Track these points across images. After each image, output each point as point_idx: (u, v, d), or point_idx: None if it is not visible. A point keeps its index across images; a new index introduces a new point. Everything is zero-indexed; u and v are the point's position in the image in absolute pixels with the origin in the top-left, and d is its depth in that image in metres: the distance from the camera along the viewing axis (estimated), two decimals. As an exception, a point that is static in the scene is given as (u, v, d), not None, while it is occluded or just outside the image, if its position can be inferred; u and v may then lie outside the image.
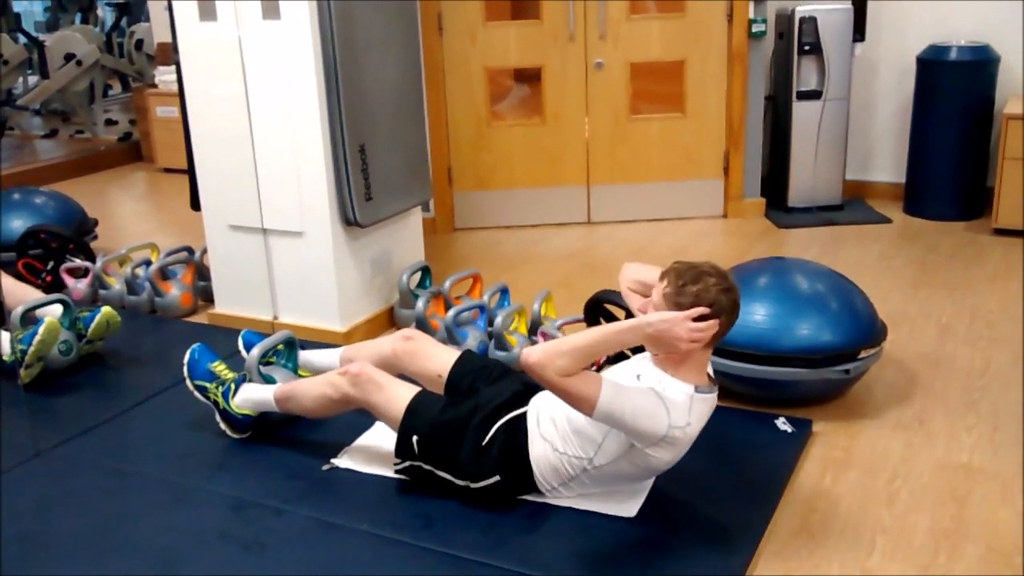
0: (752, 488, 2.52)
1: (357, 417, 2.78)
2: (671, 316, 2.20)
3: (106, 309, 3.44)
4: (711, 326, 2.21)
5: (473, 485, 2.43)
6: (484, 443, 2.41)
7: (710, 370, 2.40)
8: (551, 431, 2.39)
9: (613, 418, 2.20)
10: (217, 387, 2.86)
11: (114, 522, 2.50)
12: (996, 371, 3.22)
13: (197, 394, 2.91)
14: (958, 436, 2.81)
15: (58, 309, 3.41)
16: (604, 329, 2.27)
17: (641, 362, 2.37)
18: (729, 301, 2.24)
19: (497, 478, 2.41)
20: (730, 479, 2.57)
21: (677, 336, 2.19)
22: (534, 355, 2.18)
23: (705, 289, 2.21)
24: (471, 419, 2.44)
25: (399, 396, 2.52)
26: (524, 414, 2.44)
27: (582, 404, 2.19)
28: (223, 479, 2.68)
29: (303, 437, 2.88)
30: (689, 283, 2.22)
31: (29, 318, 3.34)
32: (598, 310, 3.22)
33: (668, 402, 2.22)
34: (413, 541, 2.33)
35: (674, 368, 2.28)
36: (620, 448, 2.30)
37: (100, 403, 3.20)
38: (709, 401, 2.33)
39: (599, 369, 3.10)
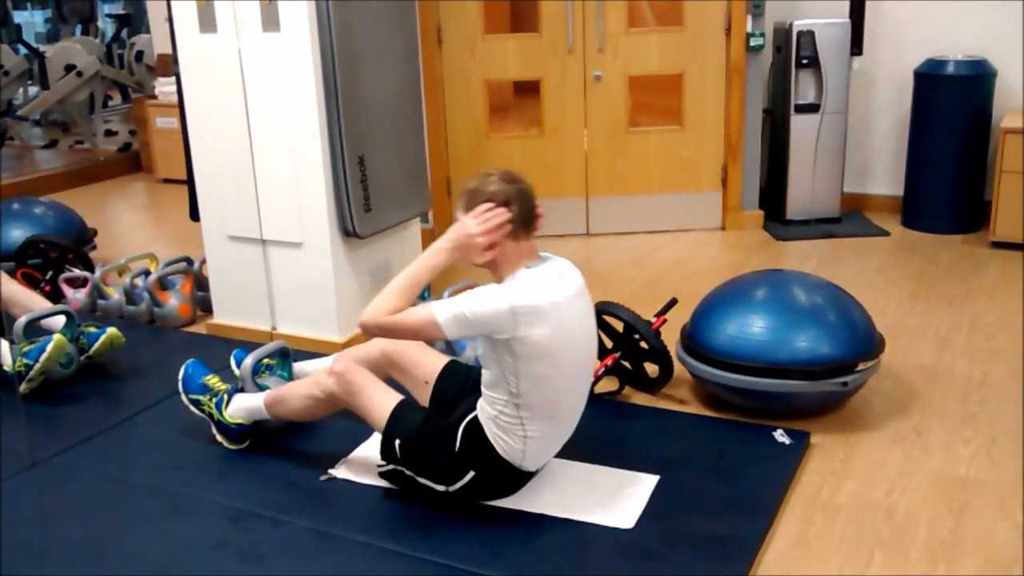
0: (750, 500, 2.52)
1: (354, 427, 2.79)
2: (460, 221, 2.35)
3: (112, 331, 3.42)
4: (498, 213, 2.34)
5: (451, 488, 2.46)
6: (456, 449, 2.44)
7: (547, 254, 2.48)
8: (486, 407, 2.43)
9: (461, 321, 2.29)
10: (211, 399, 2.87)
11: (111, 531, 2.49)
12: (994, 383, 3.22)
13: (192, 408, 2.91)
14: (956, 448, 2.81)
15: (60, 320, 3.41)
16: (414, 261, 2.40)
17: None
18: (514, 190, 2.38)
19: (472, 474, 2.43)
20: (728, 491, 2.57)
21: (468, 232, 2.34)
22: (363, 315, 2.33)
23: (487, 184, 2.38)
24: (445, 429, 2.47)
25: (383, 399, 2.55)
26: (476, 413, 2.47)
27: (428, 327, 2.31)
28: (221, 489, 2.68)
29: (301, 447, 2.88)
30: (475, 188, 2.40)
31: (32, 328, 3.33)
32: (597, 321, 3.22)
33: (500, 286, 2.33)
34: (410, 552, 2.33)
35: (502, 271, 2.40)
36: (513, 356, 2.31)
37: (98, 412, 3.20)
38: (547, 269, 2.40)
39: (597, 380, 3.10)
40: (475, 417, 2.46)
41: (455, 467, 2.44)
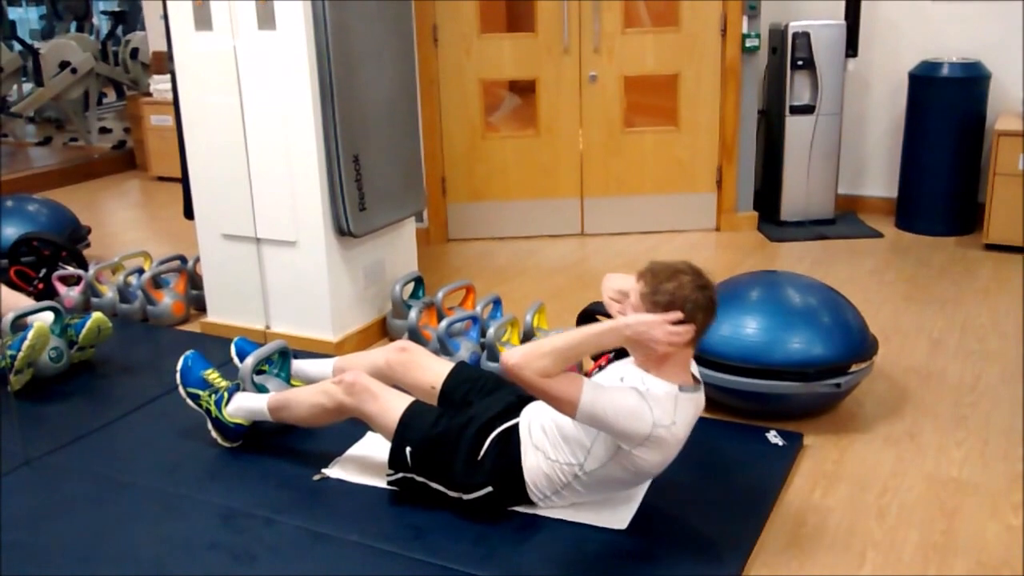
0: (743, 501, 2.53)
1: (348, 427, 2.78)
2: (650, 319, 2.21)
3: (97, 315, 3.43)
4: (688, 330, 2.21)
5: (466, 497, 2.43)
6: (479, 456, 2.41)
7: (695, 370, 2.40)
8: (542, 440, 2.39)
9: (596, 418, 2.21)
10: (210, 395, 2.86)
11: (104, 531, 2.49)
12: (986, 386, 3.23)
13: (190, 401, 2.90)
14: (948, 450, 2.82)
15: (49, 316, 3.40)
16: (583, 330, 2.27)
17: (624, 365, 2.38)
18: (705, 298, 2.24)
19: (489, 489, 2.41)
20: (721, 492, 2.57)
21: (655, 338, 2.20)
22: (513, 357, 2.20)
23: (680, 287, 2.21)
24: (465, 432, 2.44)
25: (393, 406, 2.52)
26: (516, 425, 2.44)
27: (564, 405, 2.21)
28: (214, 488, 2.68)
29: (294, 447, 2.88)
30: (664, 281, 2.22)
31: (19, 325, 3.34)
32: (591, 321, 3.22)
33: (651, 400, 2.22)
34: (403, 552, 2.33)
35: (656, 368, 2.29)
36: (608, 451, 2.30)
37: (91, 411, 3.20)
38: (694, 400, 2.33)
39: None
40: (513, 429, 2.43)
41: (472, 474, 2.41)
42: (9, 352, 3.22)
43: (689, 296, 2.21)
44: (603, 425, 2.23)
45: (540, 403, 2.44)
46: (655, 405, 2.22)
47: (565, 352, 2.21)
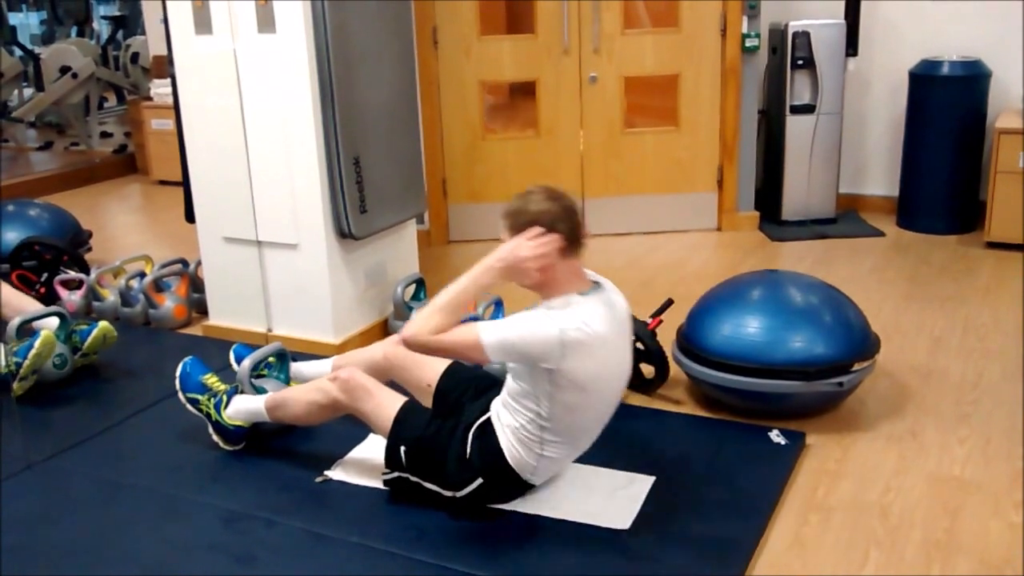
0: (746, 500, 2.53)
1: (350, 429, 2.78)
2: (512, 242, 2.30)
3: (103, 324, 3.43)
4: (553, 239, 2.28)
5: (459, 494, 2.44)
6: (467, 455, 2.43)
7: (594, 276, 2.45)
8: (506, 415, 2.41)
9: (506, 347, 2.26)
10: (209, 399, 2.86)
11: (106, 534, 2.49)
12: (988, 384, 3.23)
13: (189, 407, 2.91)
14: (950, 449, 2.82)
15: (54, 322, 3.40)
16: (460, 279, 2.35)
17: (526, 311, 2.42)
18: (559, 207, 2.32)
19: (480, 481, 2.42)
20: (724, 491, 2.57)
21: (524, 256, 2.29)
22: (406, 330, 2.31)
23: (535, 203, 2.31)
24: (454, 434, 2.45)
25: (388, 404, 2.53)
26: (489, 417, 2.46)
27: (470, 350, 2.28)
28: (215, 491, 2.68)
29: (296, 449, 2.88)
30: (520, 207, 2.33)
31: (25, 330, 3.34)
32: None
33: (550, 311, 2.28)
34: (405, 553, 2.33)
35: (551, 290, 2.35)
36: (551, 385, 2.30)
37: (93, 415, 3.20)
38: (601, 299, 2.37)
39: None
40: (487, 421, 2.44)
41: (463, 472, 2.42)
42: (14, 359, 3.22)
43: (544, 210, 2.30)
44: (517, 353, 2.27)
45: (504, 390, 2.47)
46: (556, 314, 2.27)
47: (451, 304, 2.32)
